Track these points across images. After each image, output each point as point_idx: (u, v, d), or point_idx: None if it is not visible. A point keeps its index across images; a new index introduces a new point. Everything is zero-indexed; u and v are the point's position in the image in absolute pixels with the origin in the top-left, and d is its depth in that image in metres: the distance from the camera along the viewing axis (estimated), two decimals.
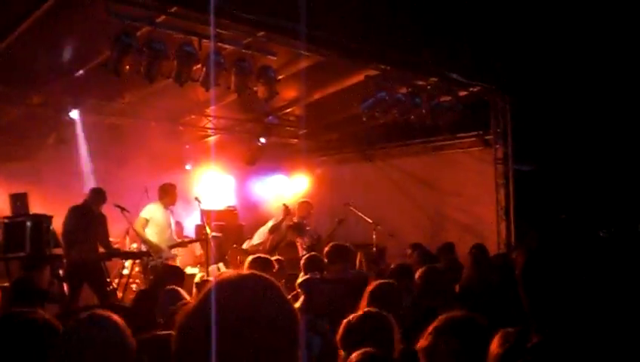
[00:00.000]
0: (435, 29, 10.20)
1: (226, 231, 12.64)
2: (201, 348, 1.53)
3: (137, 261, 10.82)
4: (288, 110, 13.48)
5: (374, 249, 11.85)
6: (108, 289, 9.95)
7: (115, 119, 12.54)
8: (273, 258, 7.96)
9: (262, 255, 7.95)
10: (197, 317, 1.58)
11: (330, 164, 16.32)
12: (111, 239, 10.51)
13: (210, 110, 12.96)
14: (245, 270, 7.06)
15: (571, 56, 11.18)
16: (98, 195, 9.97)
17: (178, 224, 12.20)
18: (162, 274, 7.67)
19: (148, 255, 10.42)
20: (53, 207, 10.20)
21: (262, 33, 8.88)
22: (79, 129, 11.85)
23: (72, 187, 11.11)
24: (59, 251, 9.79)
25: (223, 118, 13.80)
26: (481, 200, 12.90)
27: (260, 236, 12.06)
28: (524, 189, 12.52)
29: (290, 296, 5.29)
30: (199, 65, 8.75)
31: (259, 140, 14.30)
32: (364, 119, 11.27)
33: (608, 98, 11.53)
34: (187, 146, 14.82)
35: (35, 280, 7.50)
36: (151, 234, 10.55)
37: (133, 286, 11.05)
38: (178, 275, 7.43)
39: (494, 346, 2.73)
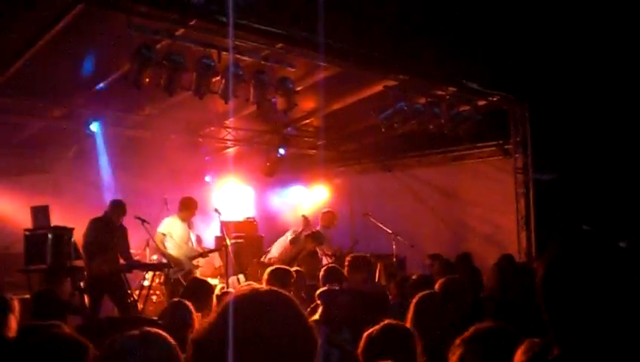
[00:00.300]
0: (453, 39, 10.18)
1: (246, 242, 12.66)
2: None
3: (158, 273, 10.87)
4: (307, 121, 13.50)
5: (394, 259, 11.82)
6: (129, 301, 9.99)
7: (135, 131, 12.62)
8: (292, 269, 7.97)
9: (280, 266, 7.94)
10: (214, 332, 1.59)
11: (349, 175, 16.31)
12: (131, 251, 10.56)
13: (229, 122, 13.02)
14: (264, 282, 7.11)
15: (590, 63, 11.09)
16: (118, 207, 10.03)
17: (197, 238, 12.22)
18: (190, 287, 7.65)
19: (169, 267, 10.46)
20: (74, 219, 10.26)
21: (280, 45, 8.91)
22: (100, 141, 11.92)
23: (92, 199, 11.20)
24: (80, 263, 9.84)
25: (241, 130, 13.85)
26: (502, 210, 12.83)
27: (277, 247, 12.06)
28: (545, 198, 12.43)
29: (309, 308, 5.29)
30: (218, 78, 8.79)
31: (278, 151, 14.32)
32: (383, 130, 11.26)
33: (629, 106, 11.44)
34: (206, 158, 14.88)
35: (56, 292, 7.55)
36: (170, 247, 10.61)
37: (154, 297, 11.10)
38: (206, 288, 7.43)
39: (518, 355, 2.72)
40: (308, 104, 11.91)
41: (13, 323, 5.15)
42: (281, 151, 14.29)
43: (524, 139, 12.36)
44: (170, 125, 12.45)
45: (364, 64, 9.86)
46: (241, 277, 11.19)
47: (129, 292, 10.17)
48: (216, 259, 12.44)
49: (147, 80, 8.29)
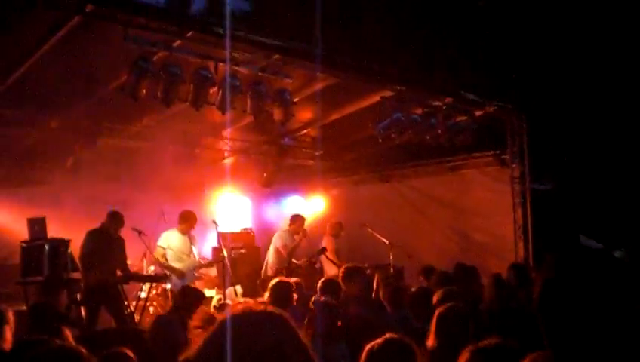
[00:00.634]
0: (449, 49, 10.21)
1: (243, 253, 12.68)
2: None
3: (155, 284, 10.86)
4: (304, 131, 13.51)
5: (391, 270, 11.81)
6: (125, 312, 9.97)
7: (132, 142, 12.59)
8: (292, 280, 8.00)
9: (283, 279, 7.94)
10: (207, 353, 1.60)
11: (346, 185, 16.30)
12: (128, 262, 10.55)
13: (227, 133, 13.01)
14: (267, 293, 7.12)
15: (586, 72, 11.12)
16: (116, 219, 10.02)
17: None
18: (180, 297, 7.69)
19: (165, 278, 10.45)
20: (71, 231, 10.25)
21: (277, 56, 8.92)
22: (97, 152, 11.91)
23: (89, 210, 11.17)
24: (77, 275, 9.83)
25: (238, 140, 13.83)
26: (499, 220, 12.83)
27: (272, 256, 12.11)
28: (542, 208, 12.43)
29: (307, 319, 5.26)
30: (215, 89, 8.80)
31: (275, 162, 14.32)
32: (380, 140, 11.27)
33: (625, 116, 11.46)
34: (204, 169, 14.87)
35: (52, 305, 7.53)
36: (170, 260, 10.65)
37: (151, 309, 11.07)
38: (196, 296, 7.46)
39: None
40: (305, 115, 11.92)
41: (9, 334, 5.14)
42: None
43: (521, 149, 12.38)
44: (168, 136, 12.43)
45: (362, 75, 9.87)
46: (238, 288, 11.18)
47: (126, 303, 10.15)
48: (212, 270, 12.44)
49: (144, 91, 8.30)
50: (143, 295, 11.07)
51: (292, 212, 13.20)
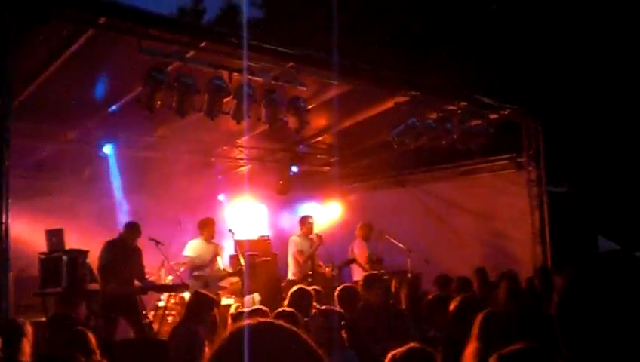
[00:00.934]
0: (464, 54, 10.20)
1: (260, 260, 12.67)
2: None
3: (173, 293, 10.89)
4: (319, 138, 13.50)
5: (409, 275, 11.77)
6: (144, 322, 9.99)
7: (148, 153, 12.64)
8: (310, 288, 7.99)
9: (302, 287, 7.93)
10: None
11: (362, 191, 16.28)
12: (145, 271, 10.57)
13: (242, 141, 13.03)
14: (287, 301, 7.12)
15: (601, 75, 11.09)
16: (133, 229, 10.04)
17: None
18: (191, 305, 7.64)
19: (184, 288, 10.47)
20: (88, 242, 10.28)
21: (291, 64, 8.92)
22: (113, 163, 11.95)
23: (106, 221, 11.22)
24: (95, 286, 9.85)
25: (254, 148, 13.85)
26: (516, 224, 12.78)
27: (291, 263, 12.14)
28: (559, 210, 12.38)
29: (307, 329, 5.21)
30: (229, 98, 8.81)
31: (290, 169, 14.31)
32: (395, 146, 11.25)
33: None
34: (219, 177, 14.89)
35: (71, 317, 7.56)
36: (195, 269, 10.73)
37: (169, 318, 11.07)
38: (207, 303, 7.41)
39: None
40: (320, 121, 11.91)
41: (27, 348, 5.16)
42: (294, 169, 14.27)
43: (536, 152, 12.33)
44: (183, 146, 12.47)
45: (376, 81, 9.86)
46: (256, 296, 11.17)
47: (144, 313, 10.17)
48: (232, 279, 12.45)
49: (159, 103, 8.33)
50: (162, 304, 11.09)
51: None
